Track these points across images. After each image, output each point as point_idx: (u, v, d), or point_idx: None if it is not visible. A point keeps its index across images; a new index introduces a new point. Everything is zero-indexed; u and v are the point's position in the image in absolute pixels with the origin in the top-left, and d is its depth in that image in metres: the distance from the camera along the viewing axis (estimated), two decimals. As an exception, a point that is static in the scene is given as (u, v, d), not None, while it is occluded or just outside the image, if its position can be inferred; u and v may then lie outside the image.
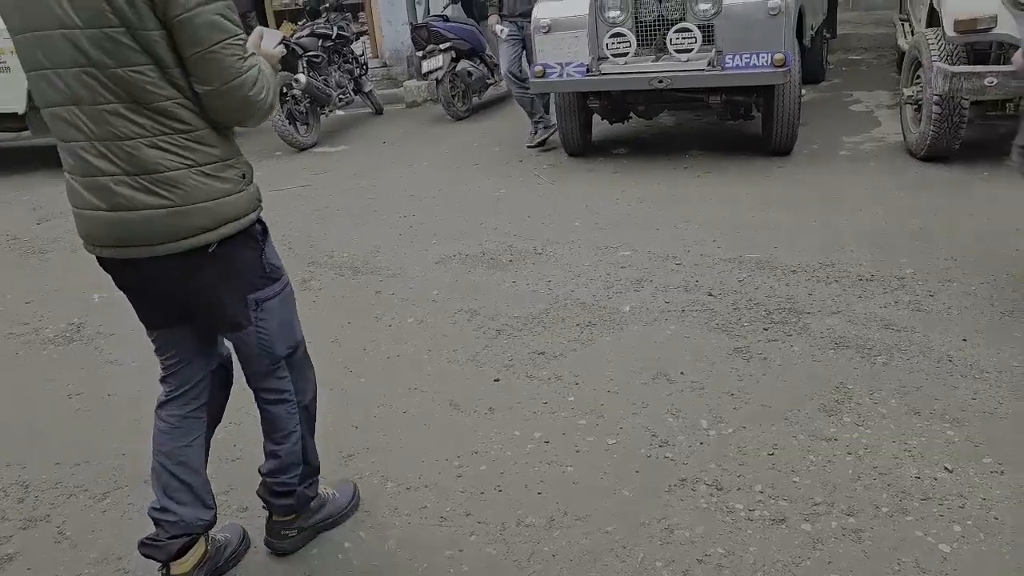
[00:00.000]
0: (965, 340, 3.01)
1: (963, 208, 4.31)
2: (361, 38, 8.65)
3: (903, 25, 6.91)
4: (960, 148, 4.92)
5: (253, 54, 1.76)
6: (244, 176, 1.85)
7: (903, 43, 6.33)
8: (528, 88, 6.06)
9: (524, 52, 6.30)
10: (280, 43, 2.00)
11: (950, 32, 4.52)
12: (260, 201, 1.92)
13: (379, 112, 8.58)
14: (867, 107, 6.46)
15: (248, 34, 1.84)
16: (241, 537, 2.25)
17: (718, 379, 2.90)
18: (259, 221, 1.92)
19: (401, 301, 3.88)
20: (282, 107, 7.02)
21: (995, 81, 4.38)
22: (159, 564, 2.05)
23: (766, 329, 3.23)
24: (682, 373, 2.96)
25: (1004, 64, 4.51)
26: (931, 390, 2.72)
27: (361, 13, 10.41)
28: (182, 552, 2.04)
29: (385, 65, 10.40)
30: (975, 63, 4.65)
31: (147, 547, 2.04)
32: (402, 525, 2.31)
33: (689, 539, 2.14)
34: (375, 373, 3.21)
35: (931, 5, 5.12)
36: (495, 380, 3.05)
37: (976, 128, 5.17)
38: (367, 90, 8.36)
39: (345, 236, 4.89)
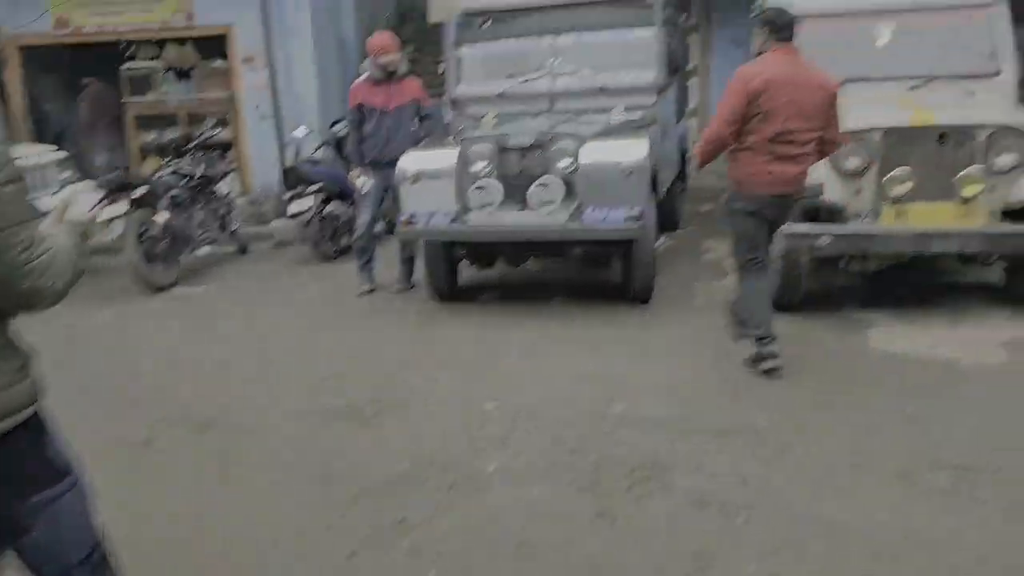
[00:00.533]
0: (819, 495, 3.09)
1: (806, 356, 4.55)
2: (228, 176, 8.55)
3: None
4: (803, 300, 5.24)
5: (48, 236, 1.65)
6: (23, 366, 1.71)
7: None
8: (370, 240, 6.25)
9: (383, 202, 6.46)
10: (98, 204, 1.90)
11: (785, 194, 4.91)
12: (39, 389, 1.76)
13: (244, 252, 8.40)
14: (717, 256, 6.85)
15: None
16: None
17: (582, 546, 2.83)
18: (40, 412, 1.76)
19: (253, 462, 3.64)
20: (139, 245, 6.75)
21: (828, 240, 4.78)
22: None
23: (629, 489, 3.22)
24: (545, 541, 2.87)
25: (835, 224, 4.92)
26: (787, 551, 2.74)
27: (230, 151, 10.35)
28: None
29: (254, 203, 10.27)
30: (811, 221, 5.04)
31: None
32: None
33: None
34: (218, 549, 2.95)
35: (768, 168, 5.57)
36: (350, 555, 2.86)
37: (817, 279, 5.53)
38: (232, 229, 8.20)
39: (196, 388, 4.61)
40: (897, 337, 4.76)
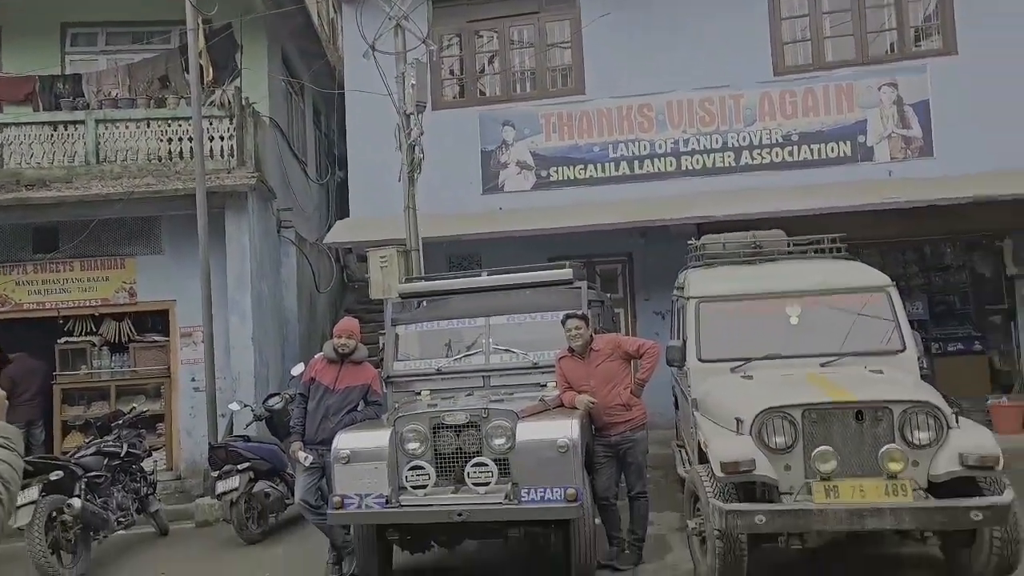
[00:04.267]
0: None
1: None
2: (153, 454, 8.28)
3: (680, 452, 7.57)
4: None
5: None
6: None
7: (682, 471, 6.86)
8: (324, 516, 5.86)
9: (324, 479, 6.20)
10: None
11: (718, 472, 4.95)
12: None
13: (164, 533, 7.91)
14: (659, 530, 6.70)
15: None
16: None
17: None
18: None
19: None
20: (47, 535, 6.31)
21: (763, 519, 4.75)
22: None
23: None
24: None
25: (770, 502, 4.91)
26: None
27: (160, 424, 10.12)
28: None
29: (179, 478, 9.88)
30: (745, 499, 5.03)
31: None
32: None
33: None
34: None
35: (699, 444, 5.66)
36: None
37: (756, 559, 5.40)
38: (153, 510, 7.78)
39: None
40: (846, 623, 4.60)
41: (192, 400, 9.94)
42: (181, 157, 10.05)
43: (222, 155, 10.08)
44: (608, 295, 8.77)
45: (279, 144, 11.63)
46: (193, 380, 9.94)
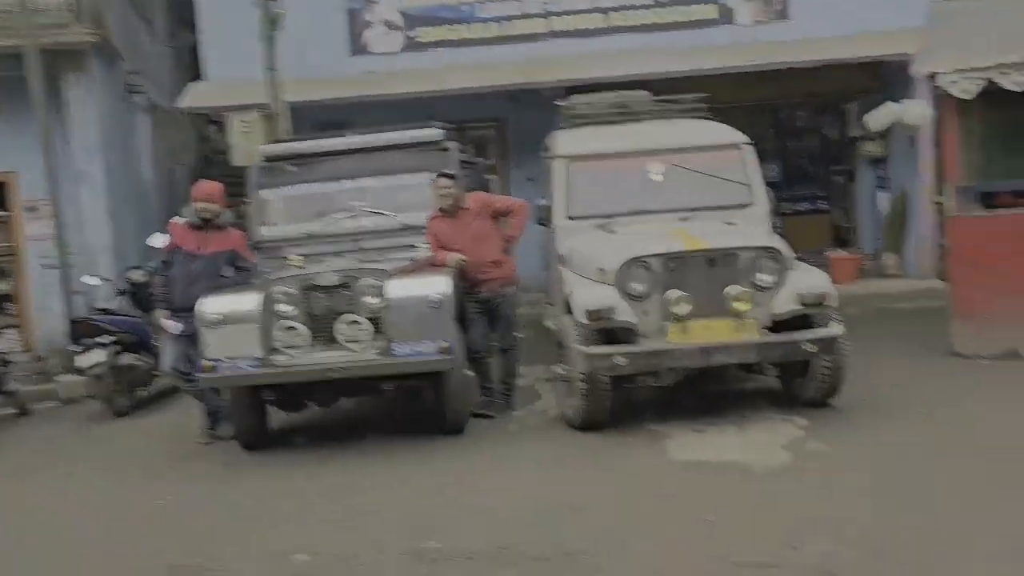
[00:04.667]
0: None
1: (613, 475, 4.73)
2: (5, 332, 7.87)
3: (548, 308, 7.87)
4: (611, 416, 5.46)
5: None
6: None
7: (549, 325, 7.17)
8: (196, 383, 5.81)
9: (194, 346, 6.10)
10: None
11: (582, 319, 5.22)
12: None
13: (25, 413, 7.64)
14: (528, 381, 7.04)
15: None
16: None
17: None
18: None
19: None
20: None
21: (623, 360, 5.09)
22: None
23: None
24: None
25: (628, 344, 5.24)
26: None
27: (9, 303, 9.57)
28: None
29: (39, 359, 9.44)
30: (608, 344, 5.33)
31: None
32: None
33: None
34: None
35: (565, 297, 5.90)
36: None
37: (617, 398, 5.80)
38: (10, 389, 7.47)
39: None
40: (694, 446, 5.06)
41: (44, 277, 9.36)
42: (10, 13, 9.03)
43: (56, 10, 9.14)
44: (480, 160, 8.76)
45: (122, 1, 10.64)
46: (43, 256, 9.35)
